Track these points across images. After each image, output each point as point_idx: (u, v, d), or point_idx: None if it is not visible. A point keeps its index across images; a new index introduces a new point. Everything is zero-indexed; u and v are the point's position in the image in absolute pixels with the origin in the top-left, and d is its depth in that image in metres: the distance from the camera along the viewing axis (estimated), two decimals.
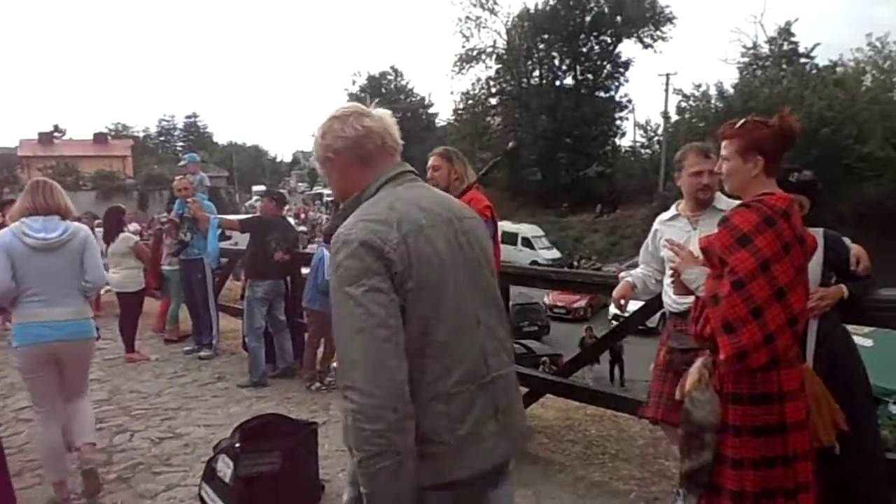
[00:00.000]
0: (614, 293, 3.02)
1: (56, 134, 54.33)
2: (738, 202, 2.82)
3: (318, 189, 66.98)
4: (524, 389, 3.93)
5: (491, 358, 1.50)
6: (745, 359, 1.96)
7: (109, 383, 5.47)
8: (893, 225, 25.81)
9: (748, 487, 2.02)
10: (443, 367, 1.41)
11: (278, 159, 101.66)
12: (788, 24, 38.26)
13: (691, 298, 2.77)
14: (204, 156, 66.65)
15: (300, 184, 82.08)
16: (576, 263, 32.79)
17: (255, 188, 67.24)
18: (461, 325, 1.45)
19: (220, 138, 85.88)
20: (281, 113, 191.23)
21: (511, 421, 1.52)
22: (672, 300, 2.84)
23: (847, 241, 2.63)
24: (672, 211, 2.97)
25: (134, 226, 13.69)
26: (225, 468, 3.01)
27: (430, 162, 3.58)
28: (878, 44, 37.98)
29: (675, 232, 2.89)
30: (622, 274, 3.13)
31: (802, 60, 36.98)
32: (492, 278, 1.61)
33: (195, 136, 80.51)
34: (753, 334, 1.94)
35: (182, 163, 7.12)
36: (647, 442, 3.82)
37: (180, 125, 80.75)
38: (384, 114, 1.67)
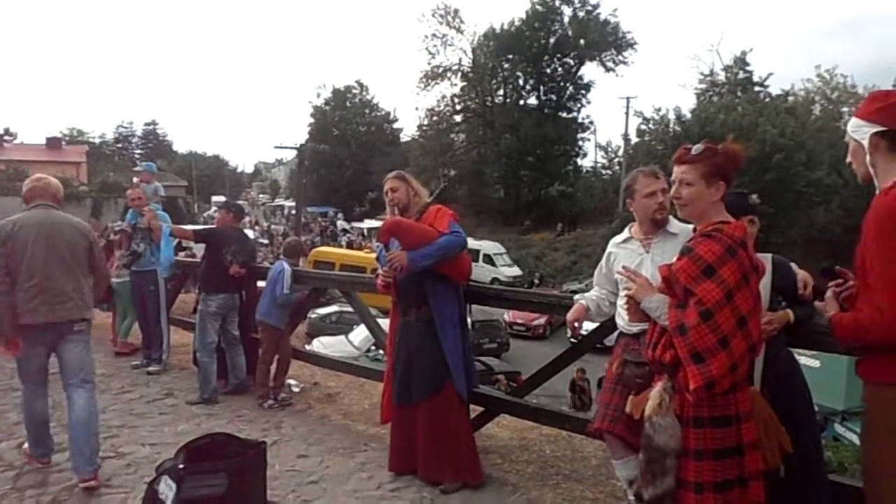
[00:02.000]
0: (568, 316, 3.03)
1: (6, 137, 52.57)
2: (689, 226, 2.89)
3: (279, 201, 66.38)
4: (479, 409, 3.93)
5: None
6: (713, 388, 2.02)
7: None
8: (840, 249, 26.77)
9: None
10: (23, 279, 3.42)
11: (239, 170, 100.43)
12: (744, 53, 39.86)
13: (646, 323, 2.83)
14: (163, 164, 65.68)
15: (261, 195, 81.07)
16: (536, 281, 33.15)
17: (215, 199, 66.15)
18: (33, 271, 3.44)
19: (180, 147, 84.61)
20: (243, 123, 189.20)
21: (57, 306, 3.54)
22: (625, 322, 2.86)
23: (794, 266, 2.69)
24: (625, 234, 3.00)
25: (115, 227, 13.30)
26: (167, 490, 2.89)
27: (388, 185, 3.63)
28: (826, 75, 39.81)
29: (627, 255, 2.92)
30: (576, 297, 3.15)
31: (756, 89, 38.44)
32: (68, 252, 3.57)
33: (154, 143, 79.02)
34: (722, 364, 2.01)
35: (138, 169, 6.94)
36: (600, 462, 3.83)
37: (139, 132, 79.26)
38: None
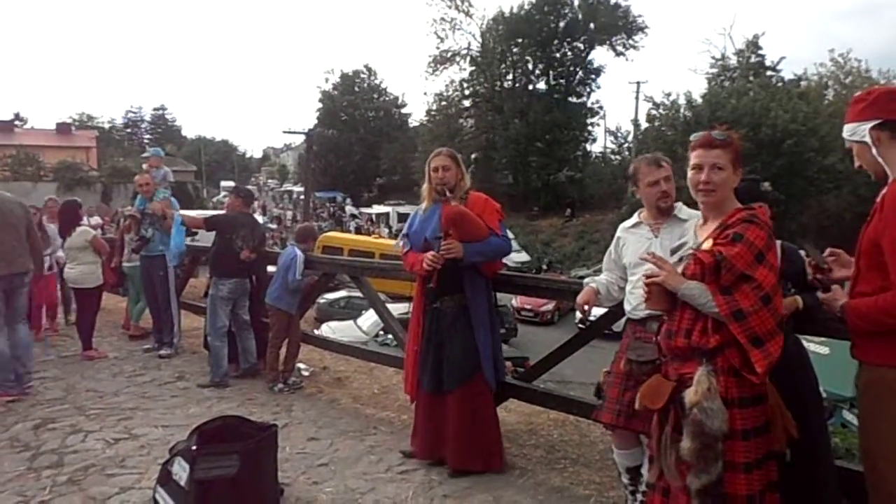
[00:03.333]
0: (578, 298, 3.04)
1: (17, 122, 52.84)
2: (698, 213, 2.89)
3: (287, 186, 66.41)
4: None
5: None
6: (772, 369, 2.08)
7: (64, 381, 5.32)
8: (851, 237, 26.47)
9: (757, 488, 2.08)
10: None
11: (248, 155, 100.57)
12: (756, 37, 39.24)
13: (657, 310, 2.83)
14: (172, 149, 66.01)
15: (270, 180, 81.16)
16: (544, 267, 33.10)
17: (224, 184, 66.23)
18: None
19: (189, 132, 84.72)
20: (252, 108, 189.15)
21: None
22: (633, 307, 2.87)
23: (802, 252, 2.69)
24: (634, 219, 3.01)
25: (96, 219, 13.35)
26: (181, 471, 2.94)
27: (436, 163, 3.55)
28: (840, 59, 39.14)
29: (636, 240, 2.92)
30: (586, 280, 3.16)
31: (769, 73, 37.91)
32: (16, 223, 4.76)
33: (163, 128, 79.29)
34: (779, 345, 2.07)
35: (146, 155, 6.95)
36: (606, 447, 3.84)
37: (148, 117, 79.52)
38: None
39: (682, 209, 2.86)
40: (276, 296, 5.10)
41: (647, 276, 2.22)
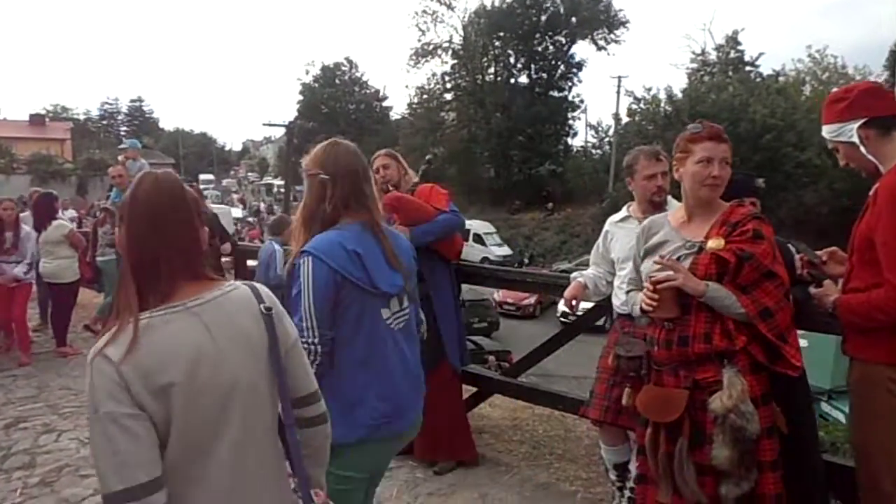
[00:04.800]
0: (566, 293, 3.00)
1: None
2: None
3: (268, 179, 65.84)
4: (472, 389, 3.90)
5: None
6: None
7: (37, 379, 5.18)
8: (826, 231, 26.93)
9: (781, 486, 2.06)
10: None
11: (227, 148, 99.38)
12: (735, 32, 39.63)
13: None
14: (149, 142, 65.03)
15: (250, 173, 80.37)
16: (525, 261, 33.20)
17: (203, 177, 65.50)
18: None
19: (167, 124, 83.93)
20: (231, 100, 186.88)
21: None
22: (621, 301, 2.83)
23: (791, 247, 2.66)
24: (623, 212, 2.97)
25: (70, 212, 13.09)
26: None
27: (378, 163, 3.56)
28: (817, 55, 39.67)
29: (625, 234, 2.89)
30: (574, 274, 3.12)
31: (748, 69, 38.26)
32: None
33: (140, 120, 78.13)
34: (796, 338, 2.08)
35: (122, 147, 6.78)
36: (592, 442, 3.82)
37: (124, 109, 78.20)
38: None
39: (671, 203, 2.83)
40: None
41: (656, 282, 2.08)
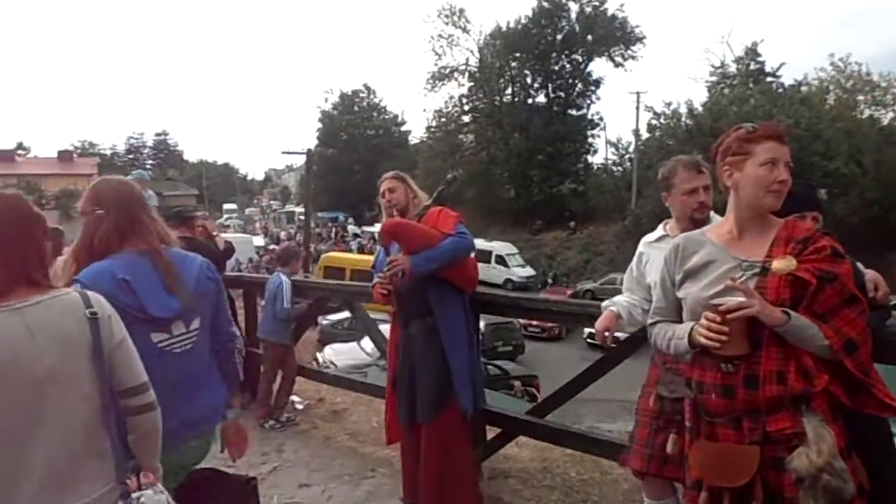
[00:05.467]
0: (597, 325, 2.66)
1: (20, 152, 52.95)
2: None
3: (290, 207, 66.37)
4: (496, 430, 3.56)
5: None
6: None
7: None
8: (858, 242, 26.17)
9: None
10: None
11: (250, 177, 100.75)
12: (755, 44, 39.12)
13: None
14: (174, 174, 65.96)
15: (273, 202, 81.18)
16: (549, 281, 32.69)
17: (227, 206, 66.28)
18: None
19: (191, 156, 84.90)
20: (252, 130, 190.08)
21: None
22: None
23: (860, 266, 2.31)
24: (659, 231, 2.64)
25: None
26: None
27: (384, 186, 3.31)
28: (840, 64, 38.89)
29: (661, 254, 2.52)
30: (604, 303, 2.77)
31: (769, 80, 37.71)
32: None
33: (165, 153, 79.54)
34: (879, 375, 1.76)
35: (129, 178, 6.58)
36: (631, 487, 3.45)
37: (150, 143, 79.69)
38: None
39: (714, 219, 2.50)
40: (268, 328, 4.72)
41: (727, 311, 1.73)
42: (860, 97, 38.37)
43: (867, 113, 37.82)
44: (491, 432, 3.57)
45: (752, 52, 39.13)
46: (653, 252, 2.60)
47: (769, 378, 1.72)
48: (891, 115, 37.38)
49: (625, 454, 2.58)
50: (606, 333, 2.63)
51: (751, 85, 36.17)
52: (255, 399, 4.96)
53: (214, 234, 5.46)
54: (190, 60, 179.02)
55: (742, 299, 1.72)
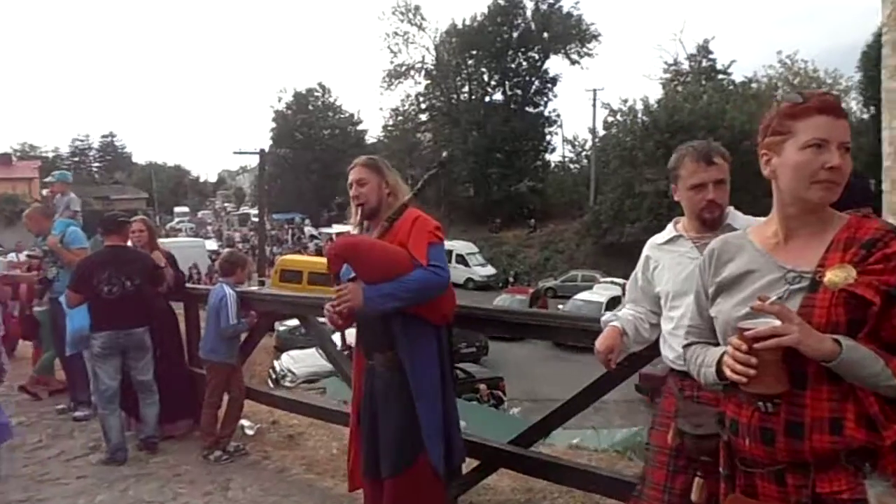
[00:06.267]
0: (598, 344, 2.22)
1: None
2: (758, 220, 2.11)
3: (244, 209, 64.75)
4: (474, 462, 3.11)
5: None
6: None
7: None
8: None
9: None
10: None
11: (202, 179, 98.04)
12: (706, 41, 39.74)
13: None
14: (122, 177, 63.58)
15: (227, 204, 79.17)
16: (511, 280, 32.51)
17: (178, 209, 64.23)
18: None
19: (140, 158, 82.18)
20: (204, 131, 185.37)
21: None
22: (676, 354, 2.08)
23: None
24: (669, 231, 2.22)
25: (25, 255, 12.10)
26: None
27: (353, 175, 2.70)
28: (788, 61, 39.85)
29: (673, 260, 2.15)
30: (604, 317, 2.35)
31: (720, 77, 38.30)
32: None
33: (112, 156, 76.89)
34: None
35: (48, 180, 5.89)
36: None
37: (95, 145, 76.80)
38: None
39: (735, 216, 2.10)
40: (211, 347, 4.14)
41: (755, 339, 1.33)
42: None
43: None
44: (467, 466, 3.12)
45: (704, 50, 39.74)
46: (663, 256, 2.19)
47: (818, 425, 1.32)
48: None
49: (635, 497, 2.17)
50: (611, 355, 2.19)
51: (703, 82, 36.66)
52: (198, 426, 4.40)
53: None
54: (137, 59, 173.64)
55: (776, 323, 1.31)
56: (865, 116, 34.51)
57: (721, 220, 2.09)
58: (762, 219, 2.13)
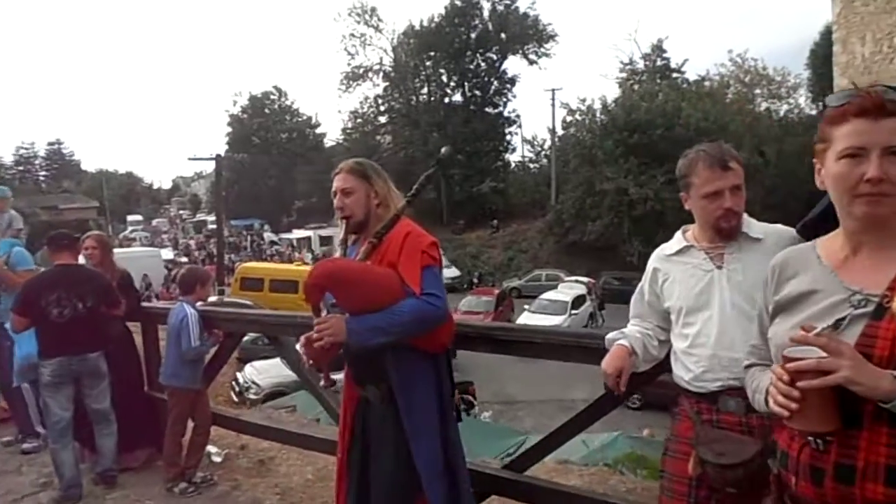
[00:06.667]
0: (606, 366, 2.04)
1: None
2: (780, 228, 1.97)
3: (201, 216, 63.26)
4: None
5: None
6: None
7: None
8: None
9: None
10: None
11: (156, 186, 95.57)
12: (660, 40, 40.50)
13: (722, 376, 1.88)
14: (70, 186, 61.35)
15: (182, 211, 77.27)
16: (475, 281, 32.41)
17: (131, 218, 62.33)
18: None
19: (89, 166, 79.35)
20: (157, 137, 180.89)
21: None
22: (694, 375, 1.91)
23: None
24: (678, 241, 2.05)
25: None
26: None
27: (337, 183, 2.38)
28: (738, 59, 40.82)
29: (686, 271, 1.98)
30: (610, 335, 2.17)
31: (674, 75, 39.02)
32: None
33: (60, 164, 74.16)
34: None
35: None
36: None
37: (41, 153, 73.93)
38: None
39: (751, 224, 1.95)
40: (172, 371, 3.82)
41: (798, 372, 1.18)
42: (757, 91, 40.45)
43: (764, 106, 39.97)
44: None
45: (658, 49, 40.47)
46: (673, 268, 2.02)
47: (872, 472, 1.16)
48: (785, 107, 39.68)
49: None
50: (620, 378, 2.01)
51: (658, 80, 37.28)
52: (160, 455, 4.09)
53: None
54: (86, 64, 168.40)
55: (822, 355, 1.15)
56: (814, 112, 35.65)
57: (738, 229, 1.93)
58: (779, 226, 2.00)
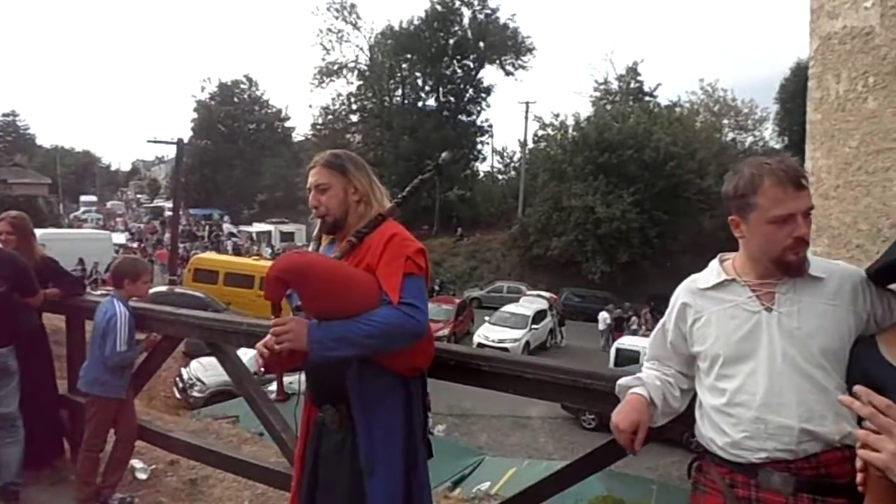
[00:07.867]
0: (620, 420, 1.64)
1: None
2: (843, 266, 1.62)
3: (159, 202, 61.37)
4: None
5: None
6: None
7: None
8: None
9: None
10: None
11: (114, 168, 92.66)
12: (636, 63, 41.08)
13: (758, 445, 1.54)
14: (22, 160, 58.87)
15: (140, 195, 75.03)
16: (436, 287, 32.04)
17: (84, 198, 60.12)
18: None
19: (44, 141, 76.49)
20: (119, 117, 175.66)
21: None
22: (732, 440, 1.54)
23: None
24: (715, 272, 1.66)
25: None
26: None
27: (312, 177, 2.06)
28: (709, 88, 41.63)
29: (725, 311, 1.59)
30: (623, 380, 1.78)
31: (647, 98, 39.52)
32: None
33: (13, 136, 71.31)
34: None
35: None
36: None
37: None
38: None
39: (814, 262, 1.57)
40: (92, 377, 3.29)
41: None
42: (725, 121, 41.32)
43: (731, 136, 40.83)
44: None
45: (633, 72, 41.00)
46: (709, 306, 1.63)
47: None
48: (751, 139, 40.58)
49: None
50: (637, 434, 1.63)
51: (631, 102, 37.67)
52: (73, 467, 3.56)
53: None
54: (46, 35, 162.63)
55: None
56: (779, 146, 36.46)
57: (803, 265, 1.54)
58: (843, 264, 1.65)
